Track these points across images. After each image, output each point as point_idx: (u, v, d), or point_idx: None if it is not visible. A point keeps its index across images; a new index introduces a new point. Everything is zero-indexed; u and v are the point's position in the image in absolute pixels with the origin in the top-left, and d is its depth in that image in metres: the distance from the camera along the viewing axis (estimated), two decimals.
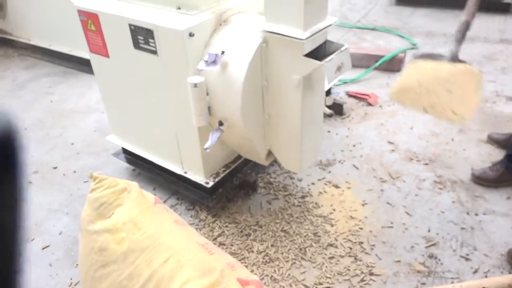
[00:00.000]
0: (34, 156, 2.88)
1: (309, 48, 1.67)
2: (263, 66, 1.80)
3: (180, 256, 1.47)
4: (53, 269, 2.06)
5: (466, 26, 1.80)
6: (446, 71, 1.74)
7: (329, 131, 2.93)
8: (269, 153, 2.10)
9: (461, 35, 1.82)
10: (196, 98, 1.82)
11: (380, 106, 3.22)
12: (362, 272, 1.94)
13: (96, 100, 3.51)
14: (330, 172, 2.57)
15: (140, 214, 1.56)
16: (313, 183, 2.48)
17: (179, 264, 1.45)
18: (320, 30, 1.68)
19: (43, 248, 2.16)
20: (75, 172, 2.71)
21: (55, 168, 2.76)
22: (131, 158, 2.55)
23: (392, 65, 3.63)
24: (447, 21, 4.55)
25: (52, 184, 2.62)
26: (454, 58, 1.85)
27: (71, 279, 2.00)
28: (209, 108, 1.89)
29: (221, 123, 1.91)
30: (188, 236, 1.58)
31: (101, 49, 2.13)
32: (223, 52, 1.75)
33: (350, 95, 3.34)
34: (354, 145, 2.79)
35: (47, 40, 4.23)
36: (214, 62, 1.73)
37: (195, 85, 1.78)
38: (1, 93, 3.78)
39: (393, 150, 2.73)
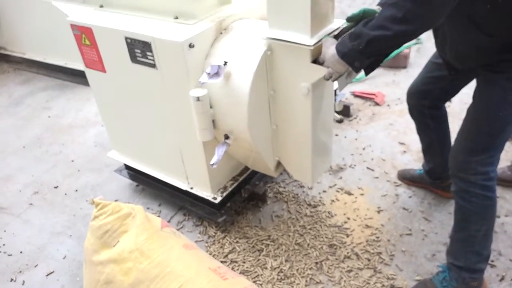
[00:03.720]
0: (34, 176, 2.79)
1: (316, 54, 1.57)
2: (269, 75, 1.70)
3: (191, 285, 1.38)
4: None
5: None
6: None
7: (337, 135, 2.83)
8: (278, 164, 2.00)
9: None
10: (199, 112, 1.73)
11: (388, 105, 3.12)
12: (383, 285, 1.84)
13: (95, 113, 3.42)
14: (341, 178, 2.47)
15: (147, 241, 1.47)
16: (324, 191, 2.38)
17: None
18: (328, 35, 1.57)
19: (47, 275, 2.07)
20: (76, 191, 2.61)
21: (56, 187, 2.67)
22: (134, 174, 2.45)
23: (398, 61, 3.53)
24: None
25: (53, 205, 2.53)
26: None
27: None
28: (213, 121, 1.80)
29: (227, 137, 1.81)
30: (199, 262, 1.49)
31: (97, 64, 2.04)
32: (225, 63, 1.65)
33: (356, 95, 3.25)
34: (364, 148, 2.69)
35: (42, 54, 4.14)
36: (216, 73, 1.63)
37: (198, 99, 1.69)
38: None
39: (405, 151, 2.63)
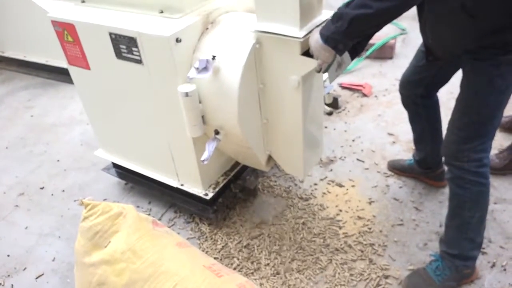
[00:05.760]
0: (19, 177, 2.73)
1: (306, 46, 1.55)
2: (258, 68, 1.68)
3: (186, 283, 1.36)
4: None
5: None
6: None
7: (326, 127, 2.83)
8: (269, 158, 1.99)
9: None
10: (188, 108, 1.70)
11: (376, 96, 3.13)
12: (377, 276, 1.85)
13: (80, 111, 3.35)
14: (331, 170, 2.47)
15: (139, 241, 1.44)
16: (315, 184, 2.37)
17: None
18: (317, 26, 1.56)
19: (36, 278, 2.02)
20: (63, 191, 2.56)
21: (42, 188, 2.61)
22: (123, 172, 2.41)
23: (384, 52, 3.54)
24: None
25: (40, 206, 2.47)
26: None
27: None
28: (203, 117, 1.77)
29: (217, 132, 1.79)
30: (193, 260, 1.47)
31: (80, 61, 1.98)
32: (214, 57, 1.62)
33: (343, 87, 3.25)
34: (353, 140, 2.69)
35: (22, 51, 4.04)
36: (205, 68, 1.60)
37: (187, 94, 1.66)
38: None
39: (394, 142, 2.65)
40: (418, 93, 1.95)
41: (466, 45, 1.45)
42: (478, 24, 1.36)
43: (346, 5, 1.33)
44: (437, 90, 1.97)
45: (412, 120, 2.10)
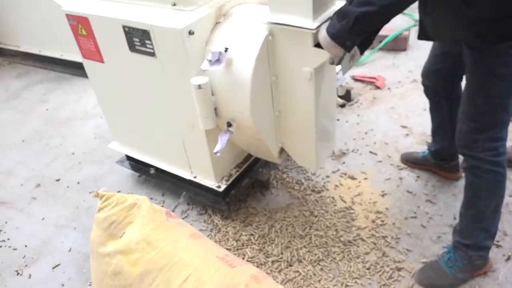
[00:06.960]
0: (35, 169, 2.78)
1: None
2: (271, 60, 1.68)
3: (200, 274, 1.38)
4: None
5: None
6: None
7: (338, 119, 2.81)
8: (281, 150, 1.99)
9: None
10: (201, 100, 1.71)
11: (389, 88, 3.09)
12: (390, 269, 1.84)
13: (93, 104, 3.39)
14: (344, 163, 2.46)
15: (153, 231, 1.46)
16: (327, 176, 2.37)
17: (200, 282, 1.36)
18: (328, 19, 1.54)
19: (53, 268, 2.07)
20: (79, 183, 2.60)
21: (57, 180, 2.65)
22: (136, 164, 2.44)
23: (397, 44, 3.49)
24: None
25: (56, 198, 2.52)
26: None
27: None
28: (215, 109, 1.78)
29: (229, 124, 1.79)
30: (207, 250, 1.48)
31: (94, 54, 2.00)
32: (226, 49, 1.62)
33: (356, 79, 3.22)
34: (366, 132, 2.67)
35: (37, 46, 4.08)
36: (218, 60, 1.61)
37: (199, 87, 1.66)
38: None
39: (407, 134, 2.62)
40: (440, 83, 1.92)
41: (460, 32, 1.42)
42: (472, 11, 1.33)
43: (350, 1, 1.32)
44: (459, 79, 1.91)
45: (433, 110, 2.07)
